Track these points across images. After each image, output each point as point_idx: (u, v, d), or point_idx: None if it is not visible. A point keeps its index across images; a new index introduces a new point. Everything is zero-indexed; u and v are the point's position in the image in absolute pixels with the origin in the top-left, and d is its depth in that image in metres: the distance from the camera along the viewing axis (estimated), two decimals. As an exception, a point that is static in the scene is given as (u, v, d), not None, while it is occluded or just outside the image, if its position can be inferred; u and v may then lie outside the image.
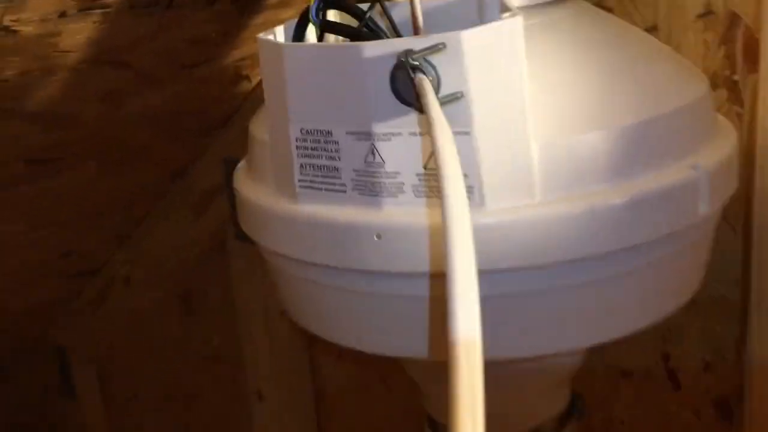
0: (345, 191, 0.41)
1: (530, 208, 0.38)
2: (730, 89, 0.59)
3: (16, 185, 0.80)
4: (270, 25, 0.77)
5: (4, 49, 0.57)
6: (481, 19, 0.42)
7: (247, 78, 0.86)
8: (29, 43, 0.58)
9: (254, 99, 0.90)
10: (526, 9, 0.44)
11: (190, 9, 0.66)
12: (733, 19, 0.57)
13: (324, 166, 0.41)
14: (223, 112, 0.91)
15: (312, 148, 0.41)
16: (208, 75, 0.80)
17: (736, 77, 0.59)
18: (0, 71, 0.60)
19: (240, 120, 0.93)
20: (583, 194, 0.39)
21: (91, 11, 0.59)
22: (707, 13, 0.59)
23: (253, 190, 0.46)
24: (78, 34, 0.61)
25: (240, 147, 0.53)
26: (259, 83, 0.88)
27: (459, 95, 0.37)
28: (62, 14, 0.57)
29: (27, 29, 0.56)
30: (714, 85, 0.60)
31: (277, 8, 0.74)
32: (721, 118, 0.50)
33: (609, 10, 0.64)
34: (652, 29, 0.61)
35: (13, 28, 0.55)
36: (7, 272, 1.02)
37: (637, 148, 0.40)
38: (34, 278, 1.08)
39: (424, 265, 0.39)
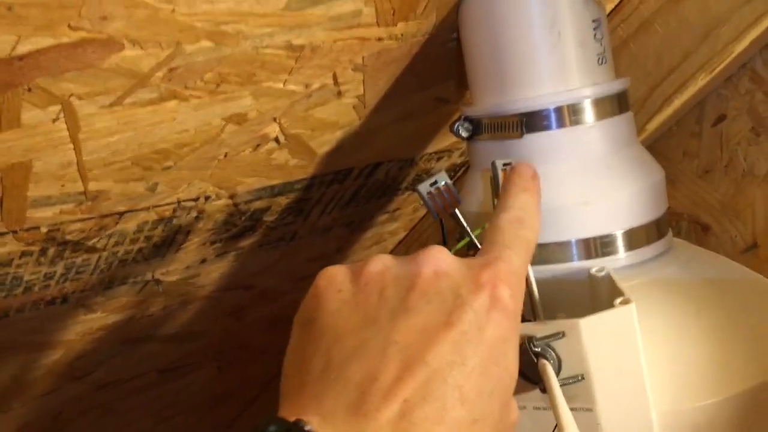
0: (474, 455, 0.44)
1: (655, 479, 0.40)
2: (839, 306, 0.60)
3: (147, 390, 0.86)
4: (378, 239, 0.84)
5: (151, 295, 0.64)
6: (592, 291, 0.45)
7: (356, 278, 0.92)
8: (172, 285, 0.65)
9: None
10: (632, 266, 0.48)
11: (309, 237, 0.73)
12: (834, 240, 0.59)
13: (452, 431, 0.44)
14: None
15: (440, 414, 0.44)
16: (321, 281, 0.86)
17: (844, 294, 0.59)
18: (146, 309, 0.67)
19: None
20: (706, 463, 0.40)
21: (227, 254, 0.66)
22: (806, 235, 0.60)
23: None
24: (214, 272, 0.68)
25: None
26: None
27: (580, 378, 0.40)
28: (203, 261, 0.65)
29: (172, 278, 0.64)
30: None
31: (385, 223, 0.81)
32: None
33: (706, 227, 0.66)
34: (752, 247, 0.64)
35: (162, 278, 0.63)
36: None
37: (757, 412, 0.42)
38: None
39: None
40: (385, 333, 0.31)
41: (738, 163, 0.63)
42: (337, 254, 0.81)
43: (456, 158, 0.74)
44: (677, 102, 0.62)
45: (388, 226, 0.82)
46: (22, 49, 0.35)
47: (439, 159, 0.73)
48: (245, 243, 0.67)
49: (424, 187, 0.44)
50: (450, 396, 0.30)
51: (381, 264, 0.34)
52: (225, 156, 0.52)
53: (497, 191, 0.45)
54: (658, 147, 0.67)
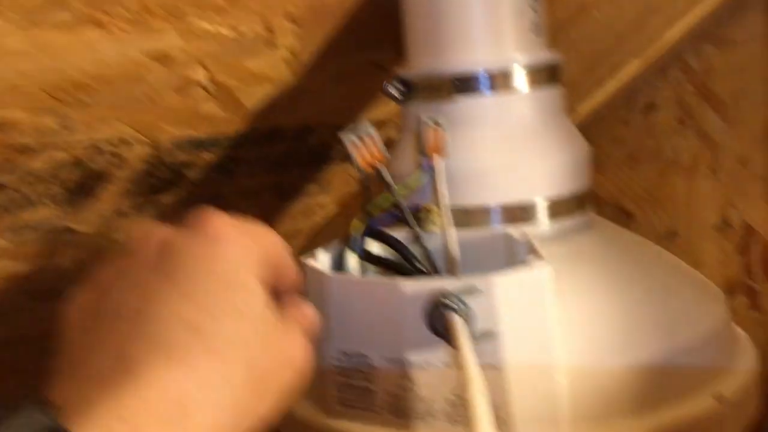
0: (379, 412, 0.43)
1: (558, 441, 0.40)
2: (748, 296, 0.61)
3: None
4: (307, 210, 0.82)
5: (62, 245, 0.62)
6: (509, 253, 0.45)
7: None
8: (86, 238, 0.63)
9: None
10: (552, 236, 0.48)
11: (234, 200, 0.71)
12: (749, 231, 0.61)
13: (360, 387, 0.43)
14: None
15: (349, 369, 0.43)
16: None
17: (754, 285, 0.61)
18: (55, 261, 0.64)
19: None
20: (608, 427, 0.41)
21: (146, 210, 0.64)
22: (724, 225, 0.62)
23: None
24: (131, 228, 0.66)
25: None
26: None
27: (490, 334, 0.39)
28: (120, 214, 0.62)
29: (86, 229, 0.61)
30: (733, 291, 0.62)
31: (316, 195, 0.79)
32: (739, 332, 0.52)
33: (630, 214, 0.68)
34: (671, 235, 0.65)
35: (75, 228, 0.60)
36: None
37: (660, 379, 0.42)
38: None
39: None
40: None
41: (663, 152, 0.64)
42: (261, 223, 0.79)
43: (392, 131, 0.73)
44: (609, 87, 0.62)
45: (319, 198, 0.80)
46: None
47: (373, 130, 0.72)
48: (166, 200, 0.64)
49: (348, 136, 0.43)
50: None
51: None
52: (147, 97, 0.50)
53: (423, 148, 0.45)
54: (588, 133, 0.67)
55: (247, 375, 0.30)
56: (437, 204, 0.46)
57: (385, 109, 0.69)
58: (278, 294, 0.36)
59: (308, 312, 0.37)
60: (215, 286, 0.31)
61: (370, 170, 0.43)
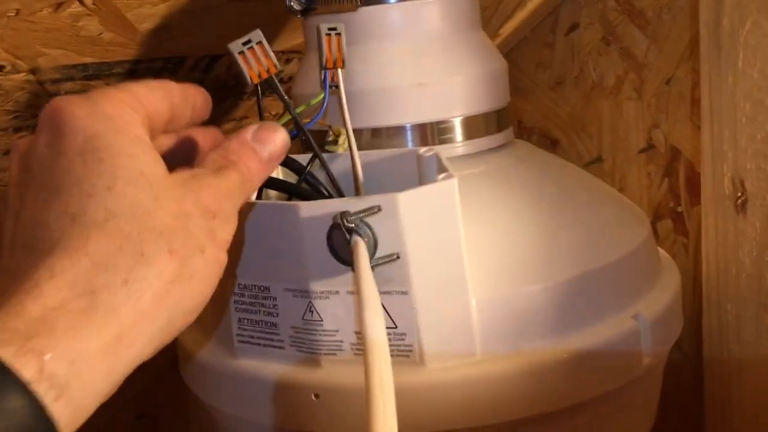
0: (283, 348, 0.40)
1: (470, 366, 0.38)
2: (674, 220, 0.60)
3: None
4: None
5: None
6: (420, 173, 0.42)
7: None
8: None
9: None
10: (469, 156, 0.45)
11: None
12: (674, 153, 0.59)
13: (262, 322, 0.40)
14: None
15: (250, 304, 0.40)
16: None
17: (680, 208, 0.60)
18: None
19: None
20: (523, 351, 0.38)
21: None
22: (649, 148, 0.60)
23: (194, 340, 0.45)
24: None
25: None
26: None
27: (395, 257, 0.36)
28: (7, 152, 0.57)
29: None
30: (659, 216, 0.61)
31: (241, 121, 0.75)
32: (663, 254, 0.50)
33: (555, 141, 0.65)
34: (597, 160, 0.63)
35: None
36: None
37: (578, 301, 0.40)
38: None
39: (363, 426, 0.38)
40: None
41: (588, 74, 0.62)
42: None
43: (306, 61, 0.69)
44: (531, 4, 0.59)
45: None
46: None
47: (288, 60, 0.67)
48: (61, 136, 0.59)
49: (235, 46, 0.39)
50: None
51: None
52: (17, 14, 0.44)
53: (322, 60, 0.41)
54: (512, 57, 0.64)
55: (155, 237, 0.27)
56: (343, 124, 0.42)
57: (299, 37, 0.65)
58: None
59: (234, 144, 0.32)
60: (73, 167, 0.28)
61: (258, 81, 0.39)
